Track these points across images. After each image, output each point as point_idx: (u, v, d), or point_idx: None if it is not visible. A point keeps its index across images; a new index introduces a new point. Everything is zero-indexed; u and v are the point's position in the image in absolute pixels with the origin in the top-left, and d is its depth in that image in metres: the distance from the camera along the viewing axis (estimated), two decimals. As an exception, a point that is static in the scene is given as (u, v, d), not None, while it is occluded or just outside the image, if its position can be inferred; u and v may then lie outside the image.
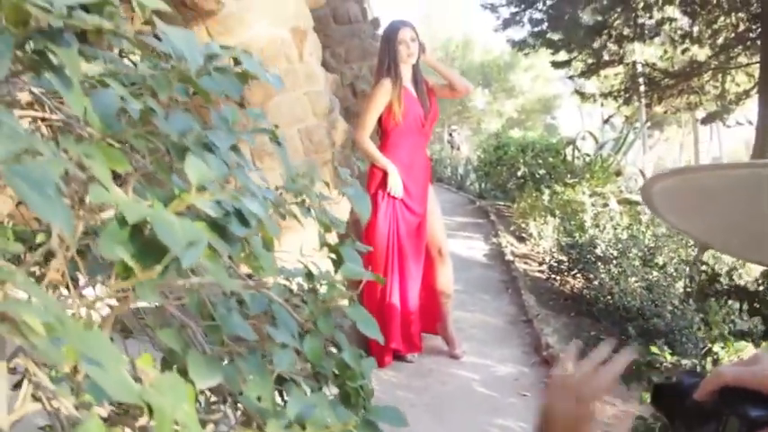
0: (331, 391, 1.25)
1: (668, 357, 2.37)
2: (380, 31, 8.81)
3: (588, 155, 11.44)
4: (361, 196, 1.40)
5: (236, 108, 1.48)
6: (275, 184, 1.66)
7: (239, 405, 0.95)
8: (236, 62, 1.24)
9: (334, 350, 1.35)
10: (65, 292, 0.93)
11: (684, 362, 2.41)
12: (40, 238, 1.11)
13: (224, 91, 1.25)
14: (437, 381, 3.90)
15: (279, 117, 4.16)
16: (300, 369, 1.11)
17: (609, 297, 4.83)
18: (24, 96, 1.04)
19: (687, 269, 5.14)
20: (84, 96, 0.90)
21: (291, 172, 1.24)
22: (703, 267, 4.57)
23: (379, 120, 4.09)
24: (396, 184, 3.98)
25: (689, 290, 4.67)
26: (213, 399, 1.00)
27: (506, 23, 11.20)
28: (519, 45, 11.61)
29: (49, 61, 0.85)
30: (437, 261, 4.23)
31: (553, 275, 6.32)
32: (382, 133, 4.16)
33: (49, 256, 1.06)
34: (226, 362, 0.96)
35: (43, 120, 1.11)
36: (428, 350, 4.28)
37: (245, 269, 1.15)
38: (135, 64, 1.21)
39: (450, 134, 25.43)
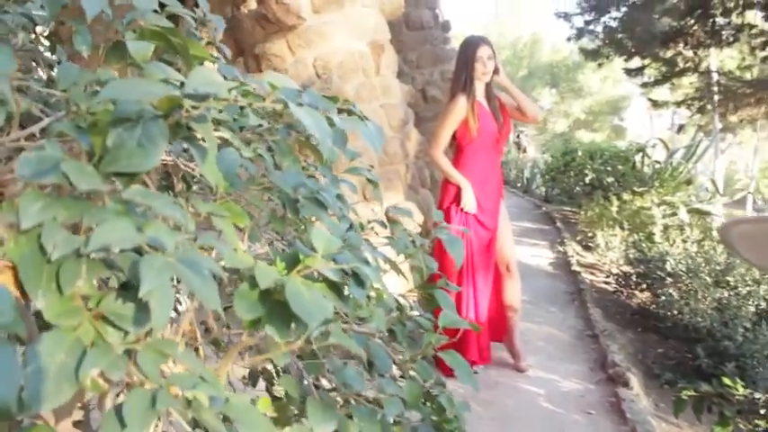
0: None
1: (741, 390, 2.38)
2: (450, 34, 8.89)
3: (658, 162, 11.25)
4: (454, 241, 1.48)
5: (335, 150, 1.59)
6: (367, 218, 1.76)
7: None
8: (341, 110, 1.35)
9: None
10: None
11: (757, 396, 2.41)
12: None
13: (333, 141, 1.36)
14: (503, 394, 3.95)
15: (354, 129, 4.26)
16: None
17: (678, 315, 4.79)
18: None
19: (759, 288, 5.05)
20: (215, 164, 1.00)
21: (403, 241, 1.32)
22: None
23: (453, 135, 4.14)
24: (469, 201, 4.03)
25: (761, 311, 4.60)
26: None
27: (580, 33, 11.04)
28: (592, 55, 11.43)
29: (186, 132, 0.95)
30: (505, 276, 4.27)
31: (620, 288, 6.28)
32: (456, 148, 4.20)
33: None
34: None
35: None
36: (494, 362, 4.32)
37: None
38: (242, 108, 1.33)
39: (518, 135, 25.26)
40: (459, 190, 4.08)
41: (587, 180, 11.29)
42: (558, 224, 10.19)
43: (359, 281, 0.98)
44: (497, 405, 3.79)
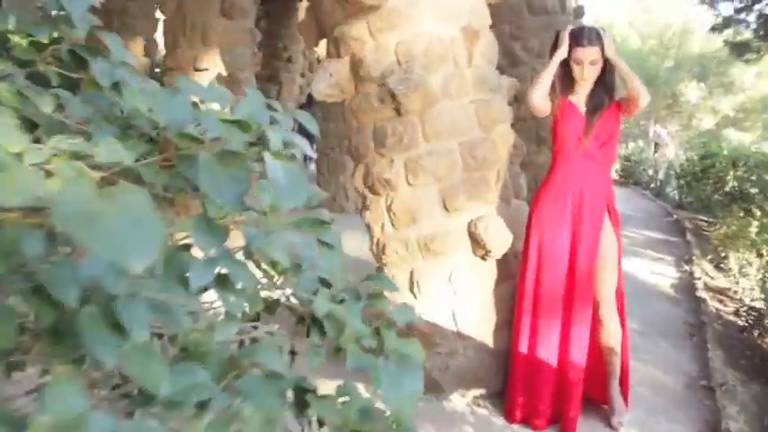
0: None
1: None
2: (588, 20, 8.06)
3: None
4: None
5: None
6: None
7: None
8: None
9: None
10: None
11: None
12: None
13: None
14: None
15: (439, 126, 3.70)
16: None
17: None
18: None
19: None
20: None
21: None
22: None
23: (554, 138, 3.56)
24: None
25: None
26: None
27: (727, 22, 9.70)
28: (739, 49, 10.04)
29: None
30: (596, 321, 3.55)
31: (751, 326, 5.39)
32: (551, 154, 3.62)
33: None
34: None
35: None
36: (585, 410, 3.64)
37: None
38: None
39: (659, 133, 23.75)
40: (539, 199, 3.50)
41: (727, 189, 10.18)
42: (689, 236, 9.14)
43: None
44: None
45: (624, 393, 3.69)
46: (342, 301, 1.22)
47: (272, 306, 1.42)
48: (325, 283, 1.33)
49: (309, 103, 14.00)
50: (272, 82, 15.11)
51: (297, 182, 0.88)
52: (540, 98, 3.45)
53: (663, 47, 35.22)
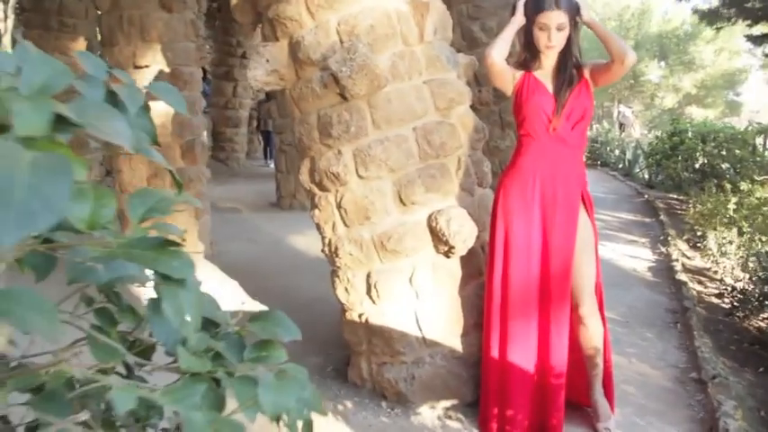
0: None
1: None
2: None
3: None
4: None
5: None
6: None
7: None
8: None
9: None
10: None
11: None
12: None
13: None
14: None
15: (389, 111, 3.31)
16: None
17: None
18: None
19: None
20: None
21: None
22: None
23: (519, 124, 3.17)
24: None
25: None
26: None
27: (694, -10, 9.46)
28: (709, 17, 9.75)
29: None
30: (576, 321, 3.19)
31: (736, 308, 5.08)
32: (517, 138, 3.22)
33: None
34: None
35: None
36: (568, 416, 3.28)
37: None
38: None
39: (624, 113, 23.71)
40: (504, 187, 3.12)
41: (697, 165, 9.94)
42: (663, 216, 8.88)
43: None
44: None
45: (609, 395, 3.34)
46: (216, 356, 0.83)
47: (147, 351, 1.04)
48: (212, 323, 0.94)
49: (268, 98, 13.56)
50: (228, 79, 14.64)
51: (55, 185, 0.48)
52: (499, 55, 3.07)
53: (623, 28, 35.22)
